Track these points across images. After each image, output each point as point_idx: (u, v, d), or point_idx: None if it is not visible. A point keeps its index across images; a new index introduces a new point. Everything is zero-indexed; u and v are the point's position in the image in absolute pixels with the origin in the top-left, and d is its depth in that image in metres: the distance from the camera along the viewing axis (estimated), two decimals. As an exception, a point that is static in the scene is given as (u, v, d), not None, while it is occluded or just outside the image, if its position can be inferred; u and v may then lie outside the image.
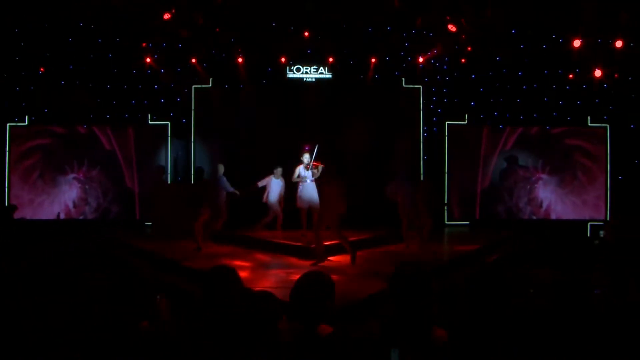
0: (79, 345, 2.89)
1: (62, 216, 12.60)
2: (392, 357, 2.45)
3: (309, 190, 9.53)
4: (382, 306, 2.77)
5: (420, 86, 13.08)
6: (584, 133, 13.01)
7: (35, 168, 12.79)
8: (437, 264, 8.33)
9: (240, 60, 12.44)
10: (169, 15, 10.96)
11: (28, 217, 12.30)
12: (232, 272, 3.08)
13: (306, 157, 9.62)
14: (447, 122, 13.13)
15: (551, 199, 13.05)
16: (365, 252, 8.98)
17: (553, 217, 13.02)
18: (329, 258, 8.45)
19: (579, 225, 12.82)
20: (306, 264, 8.18)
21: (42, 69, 12.38)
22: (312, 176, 9.55)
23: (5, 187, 12.68)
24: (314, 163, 9.52)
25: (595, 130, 13.00)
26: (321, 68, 12.79)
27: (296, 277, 2.95)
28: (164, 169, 12.93)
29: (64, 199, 12.82)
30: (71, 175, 12.86)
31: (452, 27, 11.33)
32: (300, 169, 9.71)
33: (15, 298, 4.44)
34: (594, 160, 13.00)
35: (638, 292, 5.11)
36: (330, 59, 12.58)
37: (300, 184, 9.68)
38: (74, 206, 12.85)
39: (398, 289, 2.71)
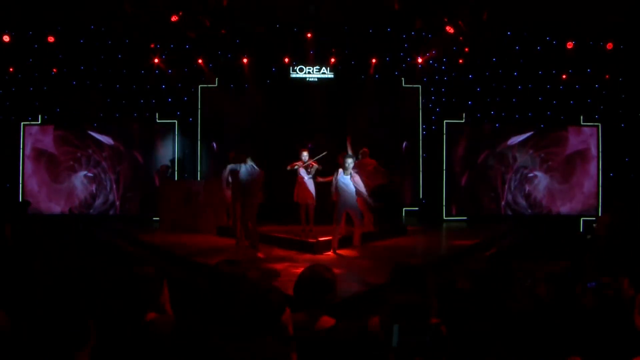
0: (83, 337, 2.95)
1: (74, 210, 13.06)
2: (394, 332, 2.55)
3: (306, 186, 9.68)
4: (382, 299, 2.84)
5: (420, 86, 13.39)
6: (577, 132, 13.34)
7: (48, 165, 13.22)
8: (437, 259, 8.60)
9: (245, 60, 12.82)
10: (176, 18, 11.35)
11: (42, 212, 12.81)
12: (237, 266, 3.12)
13: (304, 155, 9.75)
14: (445, 121, 13.40)
15: (546, 194, 13.38)
16: (367, 246, 9.24)
17: (547, 212, 13.35)
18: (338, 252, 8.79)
19: (572, 220, 13.12)
20: (307, 258, 8.41)
21: (54, 70, 12.80)
22: (308, 174, 9.67)
23: (19, 183, 13.11)
24: (311, 163, 9.72)
25: (587, 129, 13.34)
26: (323, 68, 13.13)
27: (298, 271, 3.03)
28: (167, 167, 13.32)
29: (75, 194, 13.26)
30: (82, 172, 13.31)
31: (450, 29, 11.68)
32: (300, 169, 9.81)
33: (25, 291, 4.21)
34: (587, 158, 13.34)
35: (629, 287, 5.19)
36: (332, 60, 12.91)
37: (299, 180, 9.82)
38: (85, 201, 13.29)
39: (397, 283, 2.87)
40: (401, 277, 2.92)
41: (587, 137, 13.32)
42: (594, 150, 13.30)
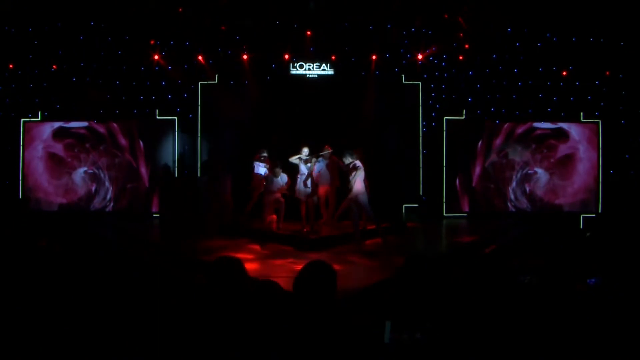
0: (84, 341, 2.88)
1: (73, 207, 13.09)
2: (386, 329, 2.59)
3: (307, 183, 9.73)
4: (386, 294, 2.85)
5: (420, 82, 13.35)
6: (577, 128, 13.33)
7: (48, 161, 13.20)
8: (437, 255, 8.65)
9: (245, 57, 12.78)
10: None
11: (41, 209, 12.83)
12: (237, 262, 3.12)
13: (305, 151, 9.81)
14: (445, 118, 13.35)
15: (546, 191, 13.38)
16: (366, 243, 9.33)
17: (547, 209, 13.33)
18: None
19: (572, 217, 13.11)
20: (307, 254, 8.48)
21: (54, 67, 12.78)
22: (308, 169, 9.75)
23: (19, 180, 13.10)
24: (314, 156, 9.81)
25: (588, 126, 13.32)
26: (323, 65, 13.07)
27: (299, 267, 3.02)
28: (167, 167, 13.35)
29: (75, 190, 13.24)
30: (81, 169, 13.29)
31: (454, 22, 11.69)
32: (300, 164, 9.91)
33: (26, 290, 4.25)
34: (586, 154, 13.31)
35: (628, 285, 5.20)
36: (333, 56, 12.86)
37: (299, 176, 9.88)
38: (84, 197, 13.26)
39: (410, 274, 2.90)
40: (415, 268, 2.93)
41: (587, 134, 13.30)
42: (594, 147, 13.27)
